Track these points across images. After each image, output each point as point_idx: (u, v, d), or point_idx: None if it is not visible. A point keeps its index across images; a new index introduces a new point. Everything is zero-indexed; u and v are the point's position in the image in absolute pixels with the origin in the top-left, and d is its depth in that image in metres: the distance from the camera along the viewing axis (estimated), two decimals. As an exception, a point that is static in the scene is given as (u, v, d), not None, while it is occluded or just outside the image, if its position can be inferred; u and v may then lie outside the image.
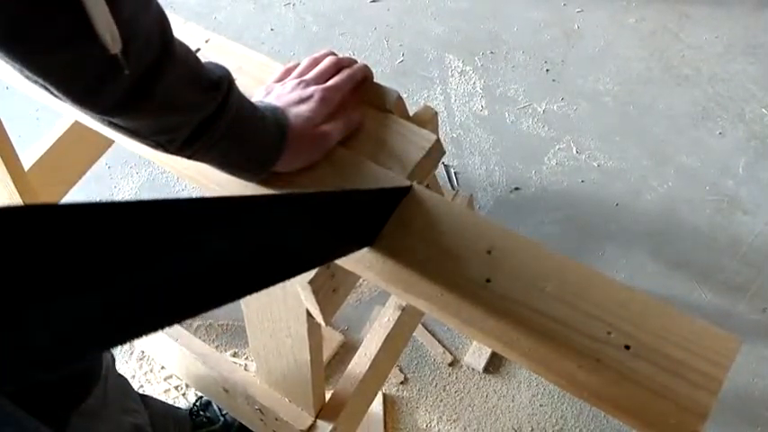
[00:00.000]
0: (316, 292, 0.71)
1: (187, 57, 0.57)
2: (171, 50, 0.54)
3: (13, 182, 1.09)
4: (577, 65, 1.68)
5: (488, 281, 0.59)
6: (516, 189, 1.48)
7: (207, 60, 0.63)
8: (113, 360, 0.88)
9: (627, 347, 0.55)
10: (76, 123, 1.16)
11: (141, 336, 0.42)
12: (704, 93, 1.62)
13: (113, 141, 1.20)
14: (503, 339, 0.56)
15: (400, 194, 0.67)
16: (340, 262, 0.65)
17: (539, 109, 1.61)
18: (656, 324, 0.56)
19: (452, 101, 1.63)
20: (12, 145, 1.05)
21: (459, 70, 1.69)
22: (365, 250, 0.64)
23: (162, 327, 0.43)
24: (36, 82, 0.50)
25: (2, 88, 1.64)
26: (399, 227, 0.64)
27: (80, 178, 1.28)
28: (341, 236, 0.63)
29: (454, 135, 1.57)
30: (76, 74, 0.50)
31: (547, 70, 1.68)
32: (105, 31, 0.47)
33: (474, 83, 1.66)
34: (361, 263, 0.63)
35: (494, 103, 1.62)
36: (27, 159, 1.14)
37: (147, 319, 0.42)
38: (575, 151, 1.54)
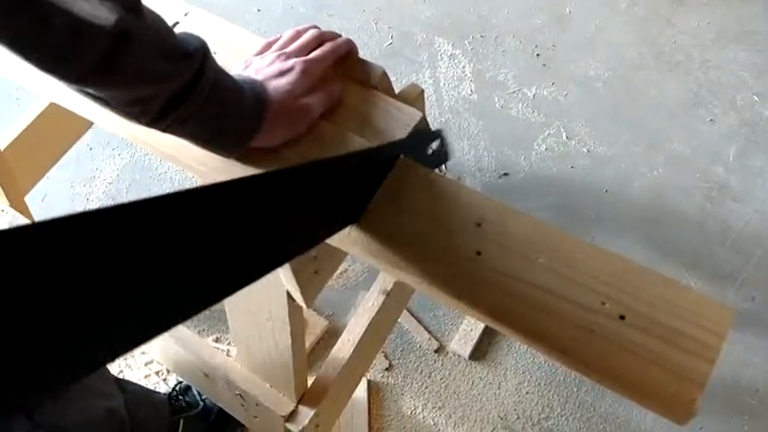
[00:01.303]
0: (296, 273, 0.69)
1: (158, 26, 0.55)
2: (139, 19, 0.52)
3: (-12, 161, 1.06)
4: (568, 50, 1.66)
5: (479, 253, 0.58)
6: (505, 174, 1.46)
7: (184, 32, 0.60)
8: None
9: (622, 317, 0.54)
10: (53, 105, 1.12)
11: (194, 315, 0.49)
12: (696, 79, 1.60)
13: (92, 123, 1.17)
14: (494, 313, 0.55)
15: (387, 164, 0.64)
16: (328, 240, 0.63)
17: (528, 94, 1.59)
18: (650, 293, 0.55)
19: (441, 85, 1.61)
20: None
21: (449, 54, 1.66)
22: (351, 225, 0.62)
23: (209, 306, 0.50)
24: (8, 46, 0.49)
25: None
26: (386, 201, 0.62)
27: (58, 160, 1.25)
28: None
29: (443, 119, 1.55)
30: (43, 39, 0.48)
31: (537, 55, 1.66)
32: None
33: (463, 67, 1.64)
34: (347, 238, 0.61)
35: (483, 88, 1.60)
36: (3, 139, 1.11)
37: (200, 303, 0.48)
38: (564, 137, 1.52)
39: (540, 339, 0.54)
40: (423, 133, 0.73)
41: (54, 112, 1.15)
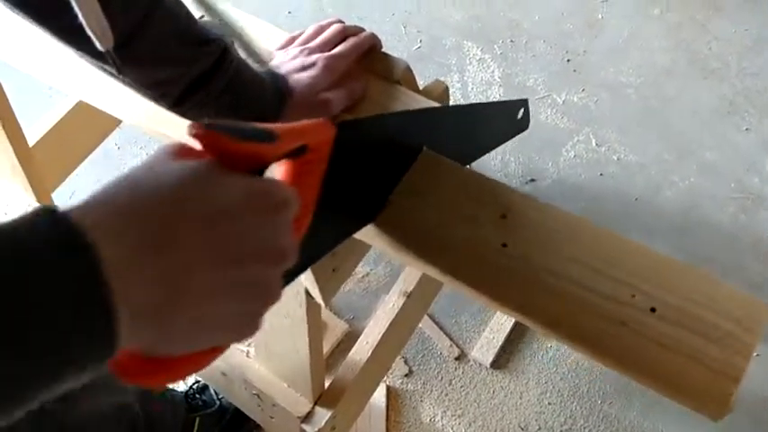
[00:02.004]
0: (314, 271, 0.68)
1: (179, 13, 0.55)
2: (158, 5, 0.52)
3: (17, 156, 1.06)
4: (600, 55, 1.63)
5: (504, 245, 0.56)
6: (532, 180, 1.44)
7: (208, 21, 0.60)
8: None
9: (653, 310, 0.52)
10: (82, 103, 1.14)
11: None
12: (731, 86, 1.56)
13: (120, 121, 1.18)
14: (522, 306, 0.53)
15: (410, 156, 0.63)
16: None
17: (558, 99, 1.56)
18: (681, 286, 0.53)
19: (469, 89, 1.59)
20: (16, 119, 1.03)
21: (478, 58, 1.64)
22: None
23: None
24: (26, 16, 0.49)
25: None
26: (409, 193, 0.61)
27: (86, 157, 1.26)
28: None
29: (470, 124, 1.53)
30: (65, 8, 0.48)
31: (568, 60, 1.63)
32: None
33: (492, 71, 1.62)
34: (370, 231, 0.60)
35: (512, 93, 1.58)
36: (32, 135, 1.12)
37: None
38: (594, 143, 1.49)
39: (568, 333, 0.52)
40: (509, 101, 0.80)
41: (83, 110, 1.16)
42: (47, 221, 0.27)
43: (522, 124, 0.89)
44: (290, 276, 0.51)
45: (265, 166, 0.36)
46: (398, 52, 1.67)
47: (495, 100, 1.57)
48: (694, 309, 0.51)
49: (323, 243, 0.59)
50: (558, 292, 0.53)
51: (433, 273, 0.57)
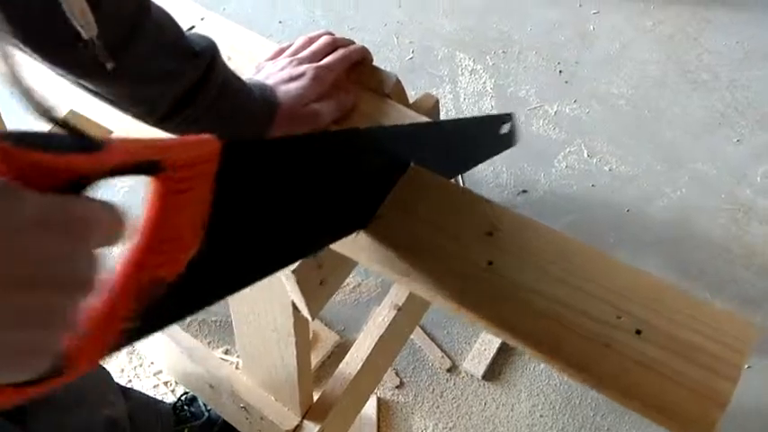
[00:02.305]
0: (300, 283, 0.67)
1: (166, 24, 0.54)
2: (146, 16, 0.51)
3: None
4: (591, 67, 1.63)
5: (490, 263, 0.56)
6: (524, 191, 1.44)
7: (194, 33, 0.60)
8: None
9: (638, 332, 0.51)
10: (72, 112, 1.13)
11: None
12: (722, 98, 1.56)
13: (111, 132, 1.17)
14: (506, 324, 0.53)
15: (398, 171, 0.63)
16: (333, 245, 0.61)
17: (550, 110, 1.56)
18: (668, 308, 0.53)
19: (461, 100, 1.59)
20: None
21: (470, 69, 1.65)
22: (360, 231, 0.61)
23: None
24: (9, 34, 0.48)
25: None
26: (395, 207, 0.61)
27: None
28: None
29: (462, 134, 1.53)
30: (47, 28, 0.47)
31: (560, 71, 1.63)
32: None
33: (484, 82, 1.62)
34: (354, 245, 0.60)
35: (504, 104, 1.58)
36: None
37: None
38: (586, 154, 1.49)
39: (552, 353, 0.51)
40: (495, 116, 0.76)
41: (73, 120, 1.15)
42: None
43: (511, 138, 0.88)
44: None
45: (85, 181, 0.31)
46: (390, 63, 1.68)
47: (486, 112, 1.57)
48: (681, 331, 0.51)
49: (316, 237, 0.58)
50: (543, 312, 0.53)
51: (417, 289, 0.57)
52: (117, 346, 0.35)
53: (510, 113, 0.79)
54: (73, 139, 0.30)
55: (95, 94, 0.54)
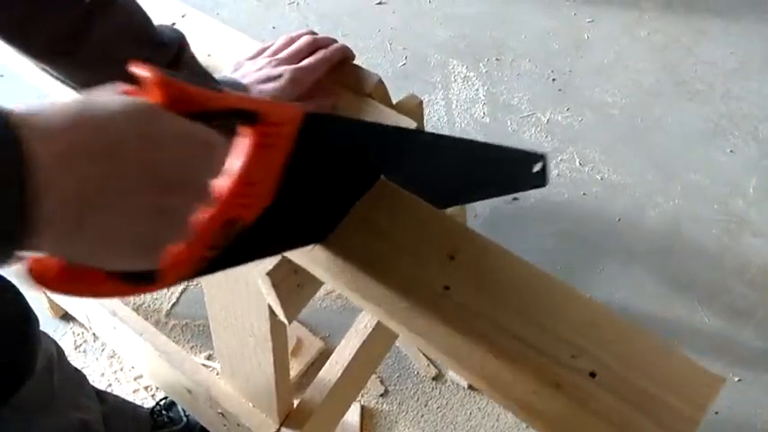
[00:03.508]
0: (276, 287, 0.65)
1: (134, 11, 0.53)
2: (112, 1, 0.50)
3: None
4: (585, 75, 1.63)
5: (447, 288, 0.53)
6: (515, 199, 1.42)
7: (163, 24, 0.58)
8: (60, 354, 0.82)
9: (592, 375, 0.48)
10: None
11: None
12: (716, 109, 1.55)
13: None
14: (454, 354, 0.50)
15: (366, 183, 0.61)
16: (289, 254, 0.59)
17: (543, 118, 1.55)
18: (629, 351, 0.50)
19: (453, 106, 1.58)
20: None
21: (463, 76, 1.64)
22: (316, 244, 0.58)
23: None
24: None
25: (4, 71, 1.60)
26: (358, 221, 0.58)
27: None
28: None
29: (453, 141, 1.52)
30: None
31: (553, 80, 1.62)
32: None
33: (477, 89, 1.61)
34: (308, 257, 0.57)
35: (496, 111, 1.57)
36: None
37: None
38: (578, 163, 1.47)
39: (499, 389, 0.49)
40: (528, 151, 0.75)
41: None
42: None
43: (542, 178, 0.81)
44: (221, 265, 0.49)
45: (208, 115, 0.38)
46: (383, 69, 1.67)
47: (479, 119, 1.56)
48: (637, 378, 0.48)
49: (261, 246, 0.56)
50: (494, 343, 0.50)
51: (370, 309, 0.54)
52: (198, 271, 0.43)
53: (544, 154, 0.76)
54: (202, 80, 0.39)
55: (57, 78, 0.53)
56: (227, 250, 0.45)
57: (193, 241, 0.40)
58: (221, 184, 0.41)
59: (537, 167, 0.77)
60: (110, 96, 0.34)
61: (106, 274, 0.38)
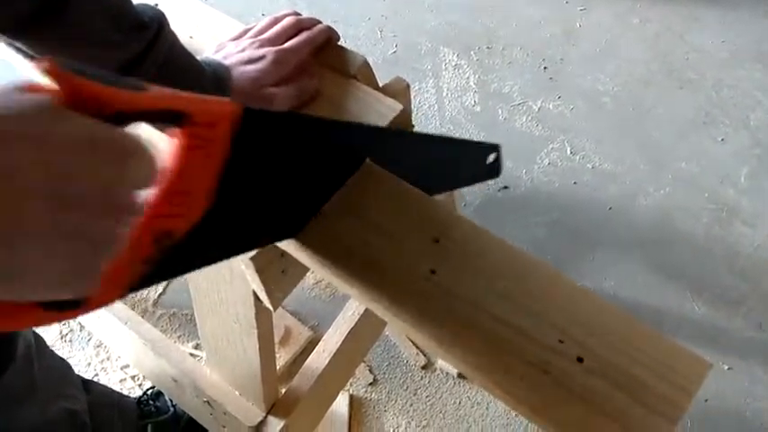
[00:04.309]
0: (260, 272, 0.64)
1: None
2: None
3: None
4: (577, 64, 1.62)
5: (433, 272, 0.52)
6: (505, 188, 1.41)
7: (143, 3, 0.57)
8: (39, 342, 0.81)
9: (580, 360, 0.48)
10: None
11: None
12: (708, 98, 1.55)
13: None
14: (439, 338, 0.49)
15: (350, 166, 0.60)
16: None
17: (534, 107, 1.54)
18: (616, 337, 0.49)
19: (444, 94, 1.57)
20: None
21: (454, 64, 1.62)
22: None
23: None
24: None
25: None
26: (341, 206, 0.57)
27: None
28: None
29: (444, 130, 1.50)
30: None
31: (544, 68, 1.61)
32: None
33: (468, 77, 1.60)
34: (292, 242, 0.56)
35: (487, 99, 1.56)
36: None
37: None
38: (569, 152, 1.47)
39: (484, 374, 0.48)
40: (481, 143, 0.74)
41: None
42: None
43: (494, 169, 0.82)
44: (168, 273, 0.46)
45: (124, 117, 0.33)
46: (373, 57, 1.65)
47: (469, 107, 1.54)
48: (625, 363, 0.47)
49: (237, 242, 0.54)
50: (480, 328, 0.49)
51: (354, 293, 0.53)
52: (131, 287, 0.39)
53: (497, 144, 0.75)
54: (120, 77, 0.33)
55: (25, 54, 0.51)
56: (168, 260, 0.40)
57: (119, 261, 0.36)
58: (145, 195, 0.36)
59: (491, 158, 0.77)
60: (8, 96, 0.29)
61: (23, 304, 0.33)
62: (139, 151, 0.32)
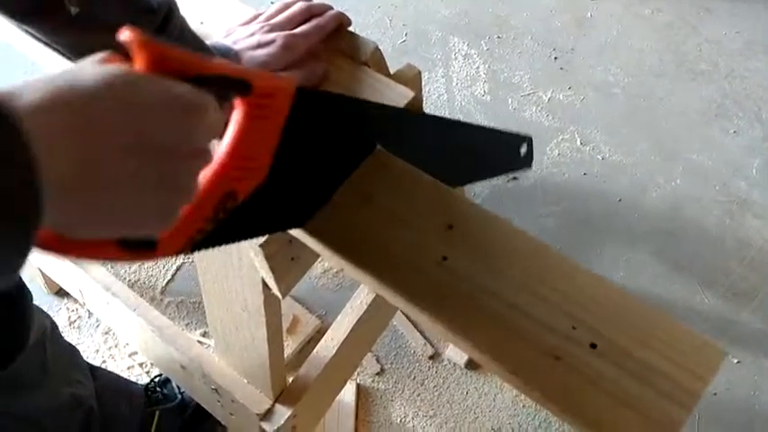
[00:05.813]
0: (269, 258, 0.64)
1: None
2: None
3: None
4: (587, 54, 1.60)
5: (445, 258, 0.52)
6: (514, 179, 1.41)
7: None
8: (53, 329, 0.81)
9: (593, 346, 0.47)
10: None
11: None
12: (720, 89, 1.53)
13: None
14: (453, 324, 0.49)
15: (361, 153, 0.59)
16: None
17: (544, 97, 1.53)
18: (630, 323, 0.48)
19: (454, 84, 1.56)
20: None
21: (464, 53, 1.61)
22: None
23: None
24: None
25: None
26: (353, 192, 0.57)
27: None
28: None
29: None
30: None
31: (555, 58, 1.60)
32: None
33: (478, 67, 1.59)
34: (303, 229, 0.56)
35: (497, 89, 1.55)
36: None
37: None
38: (579, 143, 1.46)
39: (497, 360, 0.48)
40: (514, 134, 0.74)
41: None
42: None
43: (527, 161, 0.81)
44: (217, 241, 0.49)
45: (202, 80, 0.37)
46: (383, 45, 1.62)
47: (479, 97, 1.53)
48: (639, 350, 0.47)
49: (250, 225, 0.55)
50: (493, 315, 0.49)
51: (366, 281, 0.53)
52: (193, 244, 0.43)
53: (529, 136, 0.74)
54: (193, 46, 0.39)
55: (37, 38, 0.51)
56: (220, 227, 0.44)
57: (191, 210, 0.40)
58: (218, 150, 0.41)
59: (523, 150, 0.76)
60: (92, 68, 0.32)
61: (108, 240, 0.37)
62: (212, 105, 0.36)
